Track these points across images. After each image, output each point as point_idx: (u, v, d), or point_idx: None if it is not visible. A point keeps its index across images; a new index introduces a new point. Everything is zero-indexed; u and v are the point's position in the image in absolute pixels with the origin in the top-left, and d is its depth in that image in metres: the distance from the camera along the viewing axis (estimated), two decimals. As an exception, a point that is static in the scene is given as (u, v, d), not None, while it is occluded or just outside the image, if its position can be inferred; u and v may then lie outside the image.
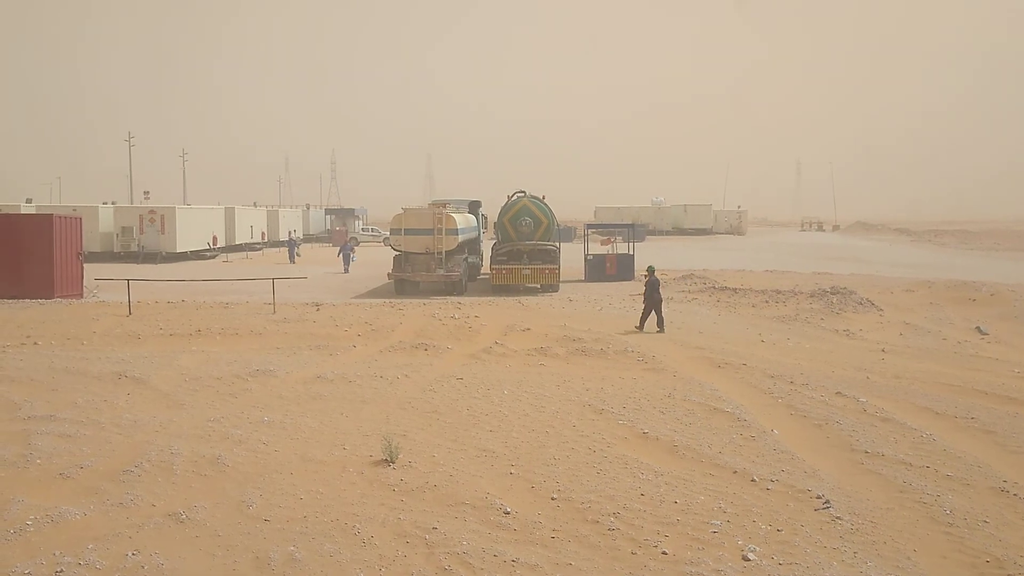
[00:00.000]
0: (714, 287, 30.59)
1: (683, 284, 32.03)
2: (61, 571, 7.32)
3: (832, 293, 27.60)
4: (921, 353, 19.95)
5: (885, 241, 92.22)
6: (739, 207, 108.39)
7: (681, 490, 9.51)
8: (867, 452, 11.06)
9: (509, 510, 8.83)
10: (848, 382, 15.46)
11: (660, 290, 21.17)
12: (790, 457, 10.84)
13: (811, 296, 27.53)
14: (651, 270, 22.50)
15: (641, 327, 20.83)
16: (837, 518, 8.70)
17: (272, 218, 65.96)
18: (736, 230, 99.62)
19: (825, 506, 9.02)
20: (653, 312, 20.95)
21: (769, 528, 8.44)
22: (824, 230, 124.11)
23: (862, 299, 26.71)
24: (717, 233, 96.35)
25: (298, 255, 49.65)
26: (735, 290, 29.42)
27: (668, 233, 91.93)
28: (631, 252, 36.64)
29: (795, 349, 19.23)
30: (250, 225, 59.16)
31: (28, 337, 19.07)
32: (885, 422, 12.61)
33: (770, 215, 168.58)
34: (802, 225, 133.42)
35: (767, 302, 26.96)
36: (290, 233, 66.56)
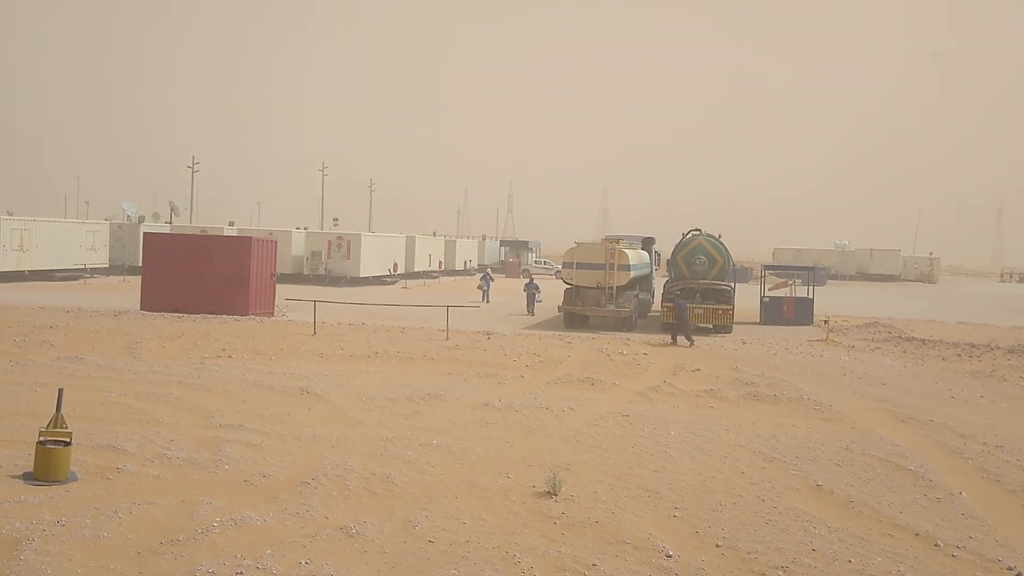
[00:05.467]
0: (900, 337, 28.91)
1: (866, 332, 30.45)
2: (241, 573, 7.77)
3: (1034, 350, 25.47)
4: None
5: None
6: (931, 254, 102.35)
7: (856, 548, 9.02)
8: (1070, 525, 10.12)
9: (671, 553, 8.65)
10: (1050, 447, 14.19)
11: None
12: (979, 523, 10.07)
13: (1009, 352, 25.52)
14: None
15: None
16: (1032, 594, 7.99)
17: (449, 248, 68.06)
18: (927, 278, 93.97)
19: (1018, 580, 8.31)
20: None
21: (954, 598, 7.85)
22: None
23: (1069, 357, 24.49)
24: (905, 280, 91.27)
25: (492, 280, 42.49)
26: (923, 341, 27.72)
27: (851, 278, 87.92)
28: (811, 296, 35.26)
29: (990, 408, 17.88)
30: (428, 254, 61.26)
31: (223, 350, 20.51)
32: (1093, 494, 11.49)
33: (965, 263, 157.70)
34: (1001, 276, 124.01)
35: (959, 356, 25.19)
36: (466, 262, 68.49)
